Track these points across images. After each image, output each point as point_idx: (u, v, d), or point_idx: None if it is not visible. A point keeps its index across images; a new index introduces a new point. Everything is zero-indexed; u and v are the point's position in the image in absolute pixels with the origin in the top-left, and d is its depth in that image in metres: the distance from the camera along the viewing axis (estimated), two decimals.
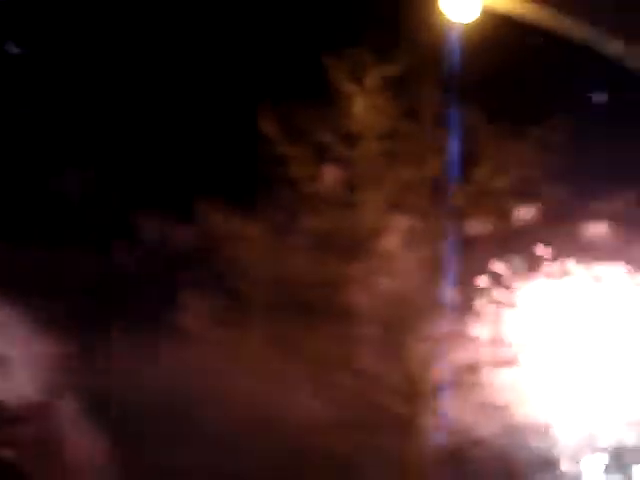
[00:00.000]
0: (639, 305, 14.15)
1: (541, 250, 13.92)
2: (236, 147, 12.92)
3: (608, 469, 15.92)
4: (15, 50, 13.93)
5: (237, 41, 13.10)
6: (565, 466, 15.49)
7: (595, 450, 15.73)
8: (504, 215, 13.66)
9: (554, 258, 14.05)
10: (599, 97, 14.21)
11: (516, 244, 14.08)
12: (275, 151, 12.61)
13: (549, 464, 15.09)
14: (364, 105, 12.83)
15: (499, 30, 11.83)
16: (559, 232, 13.88)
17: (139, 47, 13.18)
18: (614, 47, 11.43)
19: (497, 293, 13.67)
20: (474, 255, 13.35)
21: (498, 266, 13.68)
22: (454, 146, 13.12)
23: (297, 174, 12.76)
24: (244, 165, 12.76)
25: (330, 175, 12.91)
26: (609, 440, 15.48)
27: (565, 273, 14.07)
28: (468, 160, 13.32)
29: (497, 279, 13.50)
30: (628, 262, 13.82)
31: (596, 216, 13.77)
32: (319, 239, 12.61)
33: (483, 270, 13.35)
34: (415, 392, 12.76)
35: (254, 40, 13.19)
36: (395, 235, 12.66)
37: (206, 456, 12.25)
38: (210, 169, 12.94)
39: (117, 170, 13.05)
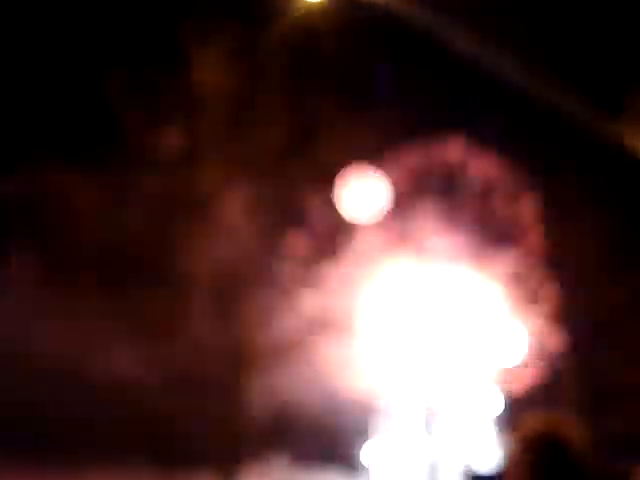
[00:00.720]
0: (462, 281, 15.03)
1: (376, 227, 14.47)
2: (79, 104, 12.57)
3: (425, 433, 16.82)
4: None
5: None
6: (385, 433, 16.22)
7: (414, 417, 16.56)
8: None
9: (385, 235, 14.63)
10: None
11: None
12: (119, 110, 12.35)
13: (370, 432, 15.77)
14: (211, 70, 12.72)
15: (348, 10, 12.10)
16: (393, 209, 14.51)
17: None
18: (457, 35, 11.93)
19: (329, 265, 14.06)
20: (296, 228, 13.67)
21: (312, 239, 14.10)
22: (297, 119, 13.22)
23: (139, 135, 12.53)
24: (85, 123, 12.44)
25: (173, 138, 12.75)
26: (427, 406, 16.36)
27: (394, 248, 14.68)
28: (310, 134, 13.50)
29: (327, 252, 13.88)
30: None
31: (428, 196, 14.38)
32: (157, 203, 12.46)
33: (318, 243, 13.68)
34: (243, 360, 12.91)
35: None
36: (232, 204, 12.67)
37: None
38: (50, 125, 12.55)
39: None
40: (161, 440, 13.02)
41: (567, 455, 2.60)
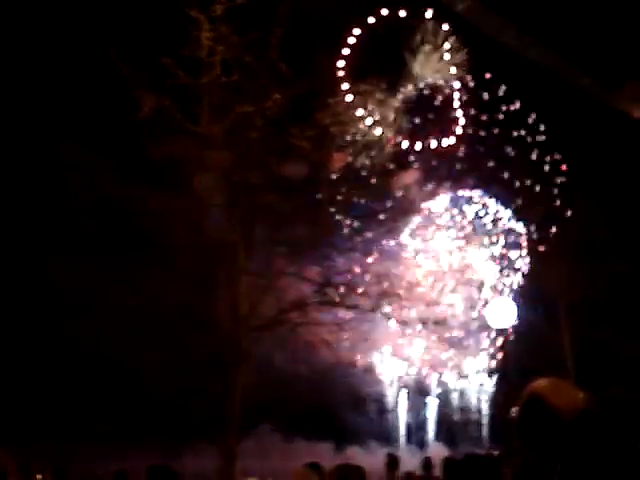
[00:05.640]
0: None
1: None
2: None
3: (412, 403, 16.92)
4: None
5: None
6: (378, 401, 16.23)
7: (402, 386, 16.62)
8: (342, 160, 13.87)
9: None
10: None
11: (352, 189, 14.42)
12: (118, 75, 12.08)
13: (364, 400, 15.77)
14: (210, 33, 12.33)
15: None
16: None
17: None
18: None
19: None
20: (306, 196, 13.51)
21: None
22: (299, 85, 12.89)
23: (137, 100, 12.22)
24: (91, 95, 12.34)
25: (170, 103, 12.40)
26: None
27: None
28: (311, 102, 13.17)
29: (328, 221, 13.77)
30: None
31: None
32: (150, 169, 12.17)
33: (314, 211, 13.53)
34: (241, 329, 12.63)
35: None
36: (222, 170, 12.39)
37: None
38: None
39: None
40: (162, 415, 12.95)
41: (549, 413, 2.55)
